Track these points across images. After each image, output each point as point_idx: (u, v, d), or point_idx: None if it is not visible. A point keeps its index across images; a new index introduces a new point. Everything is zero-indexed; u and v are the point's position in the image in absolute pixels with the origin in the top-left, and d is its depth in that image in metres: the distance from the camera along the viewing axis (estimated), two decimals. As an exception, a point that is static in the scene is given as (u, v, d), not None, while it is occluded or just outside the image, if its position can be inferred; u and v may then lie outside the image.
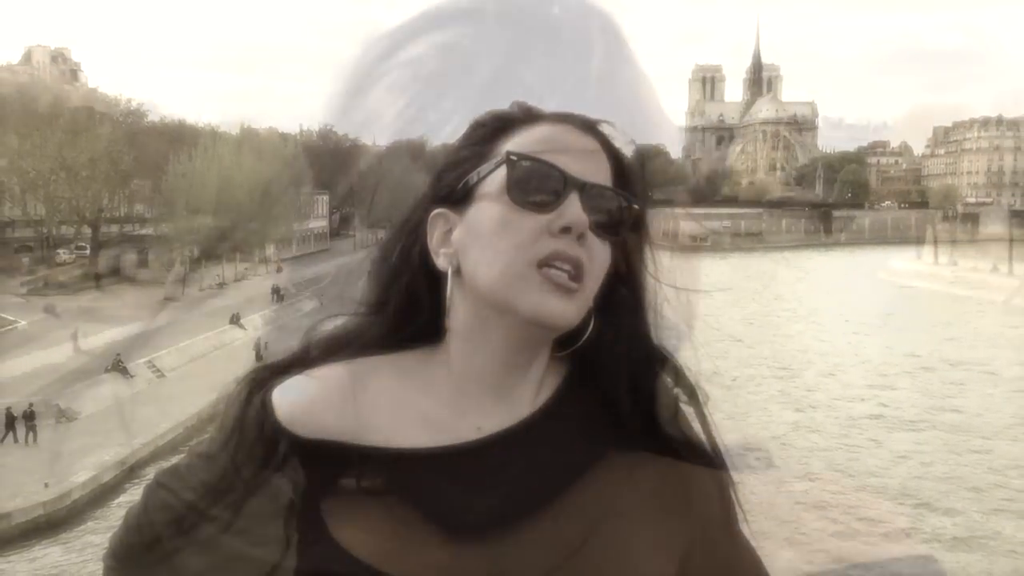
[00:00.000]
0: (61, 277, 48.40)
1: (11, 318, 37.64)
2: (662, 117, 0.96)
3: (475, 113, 0.87)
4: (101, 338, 35.04)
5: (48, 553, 19.34)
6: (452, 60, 0.88)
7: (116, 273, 50.16)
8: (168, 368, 33.28)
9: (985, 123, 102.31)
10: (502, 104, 0.87)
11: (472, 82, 0.87)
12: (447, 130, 0.87)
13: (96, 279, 48.24)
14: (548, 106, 0.87)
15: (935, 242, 70.76)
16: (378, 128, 0.91)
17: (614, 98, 0.89)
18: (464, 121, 0.87)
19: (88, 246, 54.50)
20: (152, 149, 56.53)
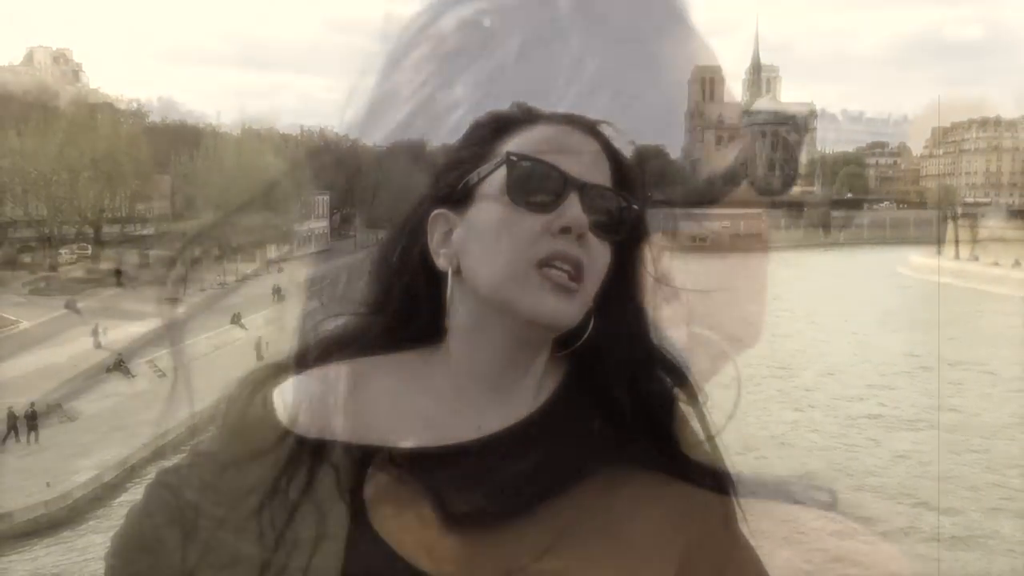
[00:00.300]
0: (64, 277, 48.53)
1: (13, 318, 37.65)
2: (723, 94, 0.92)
3: (493, 93, 0.86)
4: (116, 334, 35.17)
5: (49, 553, 19.34)
6: (471, 37, 0.87)
7: (119, 273, 50.41)
8: (169, 368, 33.27)
9: (983, 123, 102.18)
10: (521, 84, 0.86)
11: (490, 61, 0.86)
12: (460, 111, 0.86)
13: (117, 275, 48.60)
14: (576, 89, 0.85)
15: (956, 239, 70.41)
16: (395, 108, 0.89)
17: (662, 80, 0.88)
18: (480, 101, 0.86)
19: (89, 246, 54.63)
20: (154, 149, 56.68)
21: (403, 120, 0.88)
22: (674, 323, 0.86)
